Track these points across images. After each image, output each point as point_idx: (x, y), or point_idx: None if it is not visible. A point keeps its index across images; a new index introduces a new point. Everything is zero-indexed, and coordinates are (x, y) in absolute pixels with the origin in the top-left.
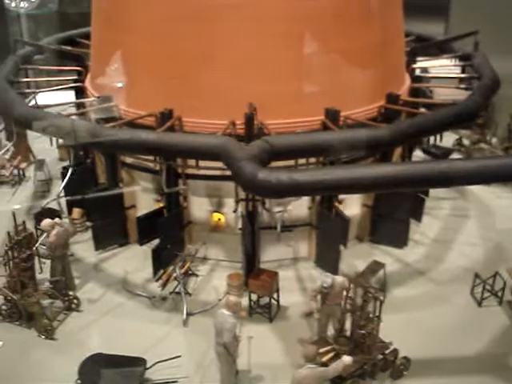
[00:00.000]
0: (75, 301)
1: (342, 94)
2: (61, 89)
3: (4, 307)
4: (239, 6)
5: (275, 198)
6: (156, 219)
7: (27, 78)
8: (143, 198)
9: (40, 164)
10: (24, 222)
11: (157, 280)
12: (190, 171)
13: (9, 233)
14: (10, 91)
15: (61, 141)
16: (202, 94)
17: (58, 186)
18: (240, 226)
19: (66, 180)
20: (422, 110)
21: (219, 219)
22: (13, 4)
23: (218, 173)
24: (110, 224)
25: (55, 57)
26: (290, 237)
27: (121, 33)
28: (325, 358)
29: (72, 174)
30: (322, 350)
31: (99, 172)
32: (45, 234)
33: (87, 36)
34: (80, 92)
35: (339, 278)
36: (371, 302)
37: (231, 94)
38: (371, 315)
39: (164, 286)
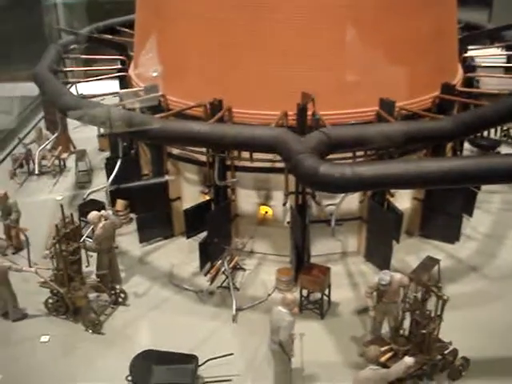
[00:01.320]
0: (122, 295)
1: (396, 84)
2: (105, 78)
3: (50, 300)
4: None
5: (337, 192)
6: (203, 212)
7: (69, 67)
8: (188, 190)
9: (81, 154)
10: (72, 215)
11: (205, 274)
12: (238, 163)
13: (57, 225)
14: (55, 81)
15: (103, 130)
16: (253, 83)
17: (99, 177)
18: (288, 219)
19: (115, 171)
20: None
21: (266, 212)
22: None
23: (267, 165)
24: (154, 216)
25: (97, 46)
26: (339, 231)
27: (169, 21)
28: (383, 359)
29: (113, 165)
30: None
31: (143, 163)
32: (91, 227)
33: (127, 25)
34: (124, 82)
35: (397, 275)
36: (431, 300)
37: (283, 83)
38: (431, 314)
39: (213, 280)
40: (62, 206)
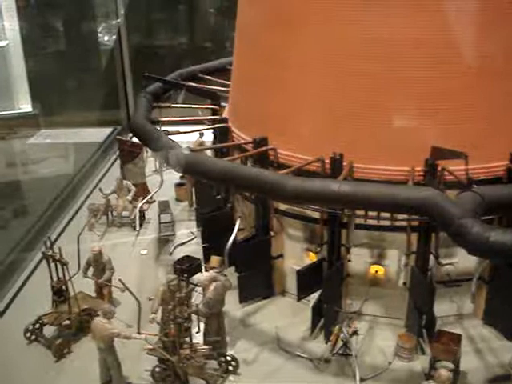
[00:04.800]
0: (233, 363)
1: None
2: (204, 129)
3: (157, 369)
4: (419, 42)
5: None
6: (315, 272)
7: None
8: (291, 247)
9: (165, 206)
10: (180, 276)
11: (327, 342)
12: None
13: (170, 287)
14: (159, 132)
15: (182, 179)
16: (376, 136)
17: (181, 229)
18: (404, 280)
19: (235, 230)
20: None
21: (376, 271)
22: None
23: (383, 223)
24: (255, 275)
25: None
26: (455, 292)
27: (282, 70)
28: None
29: (210, 220)
30: None
31: (236, 217)
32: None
33: (208, 71)
34: (222, 133)
35: None
36: None
37: (409, 137)
38: None
39: (334, 347)
40: (175, 265)
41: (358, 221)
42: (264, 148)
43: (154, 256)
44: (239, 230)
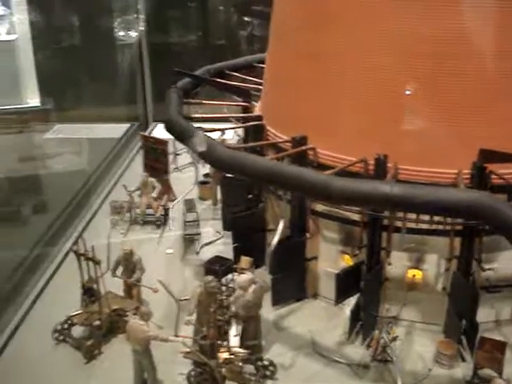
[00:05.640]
0: (271, 367)
1: None
2: (236, 127)
3: (192, 373)
4: (470, 41)
5: None
6: (353, 276)
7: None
8: (326, 249)
9: (190, 204)
10: (216, 277)
11: (368, 347)
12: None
13: (207, 288)
14: (198, 131)
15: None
16: (422, 137)
17: (205, 228)
18: (443, 285)
19: (279, 231)
20: None
21: (414, 276)
22: None
23: (424, 226)
24: (289, 277)
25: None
26: (494, 297)
27: (323, 68)
28: None
29: (241, 220)
30: None
31: (268, 218)
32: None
33: (234, 68)
34: (256, 131)
35: None
36: None
37: (456, 138)
38: None
39: (375, 353)
40: (206, 267)
41: (398, 224)
42: (304, 147)
43: (179, 255)
44: (270, 230)
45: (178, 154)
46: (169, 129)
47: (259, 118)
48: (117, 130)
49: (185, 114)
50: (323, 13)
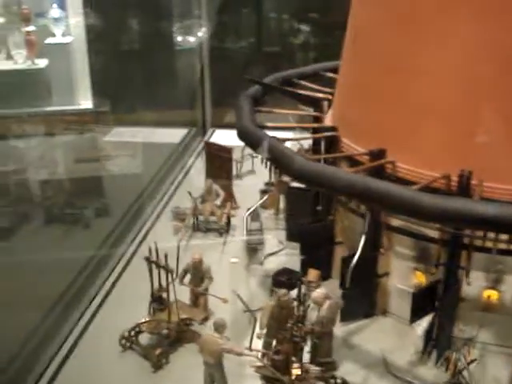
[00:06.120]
0: None
1: None
2: (316, 137)
3: None
4: None
5: None
6: (429, 295)
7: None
8: (399, 266)
9: (254, 213)
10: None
11: (446, 370)
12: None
13: (280, 302)
14: (276, 141)
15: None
16: (507, 154)
17: (270, 238)
18: None
19: (360, 246)
20: None
21: (489, 296)
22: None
23: (503, 246)
24: (360, 293)
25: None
26: None
27: (405, 78)
28: None
29: (310, 232)
30: None
31: (337, 230)
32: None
33: (302, 77)
34: (329, 142)
35: None
36: None
37: None
38: None
39: (453, 376)
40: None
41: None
42: (383, 161)
43: (243, 265)
44: (338, 243)
45: (240, 162)
46: (242, 137)
47: (334, 128)
48: (175, 134)
49: (264, 125)
50: (410, 19)
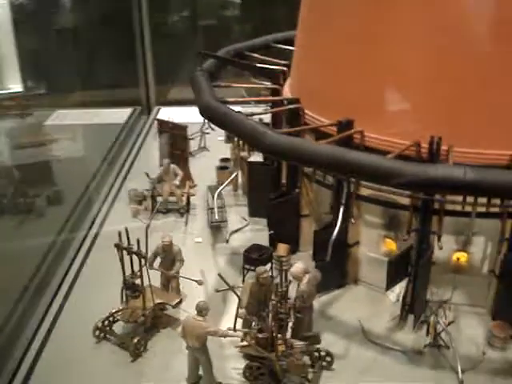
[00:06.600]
0: (328, 358)
1: None
2: (270, 112)
3: (249, 368)
4: None
5: None
6: (403, 261)
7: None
8: (368, 234)
9: (215, 191)
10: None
11: (427, 333)
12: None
13: (260, 280)
14: (242, 116)
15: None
16: (477, 119)
17: (232, 216)
18: (490, 267)
19: (339, 223)
20: None
21: (458, 258)
22: None
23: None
24: (331, 263)
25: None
26: None
27: (372, 45)
28: None
29: (277, 206)
30: None
31: (303, 203)
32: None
33: (253, 49)
34: (293, 115)
35: None
36: None
37: None
38: None
39: (434, 339)
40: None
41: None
42: (352, 131)
43: (209, 244)
44: (303, 216)
45: (191, 139)
46: (205, 115)
47: (297, 100)
48: (120, 114)
49: (225, 100)
50: None
